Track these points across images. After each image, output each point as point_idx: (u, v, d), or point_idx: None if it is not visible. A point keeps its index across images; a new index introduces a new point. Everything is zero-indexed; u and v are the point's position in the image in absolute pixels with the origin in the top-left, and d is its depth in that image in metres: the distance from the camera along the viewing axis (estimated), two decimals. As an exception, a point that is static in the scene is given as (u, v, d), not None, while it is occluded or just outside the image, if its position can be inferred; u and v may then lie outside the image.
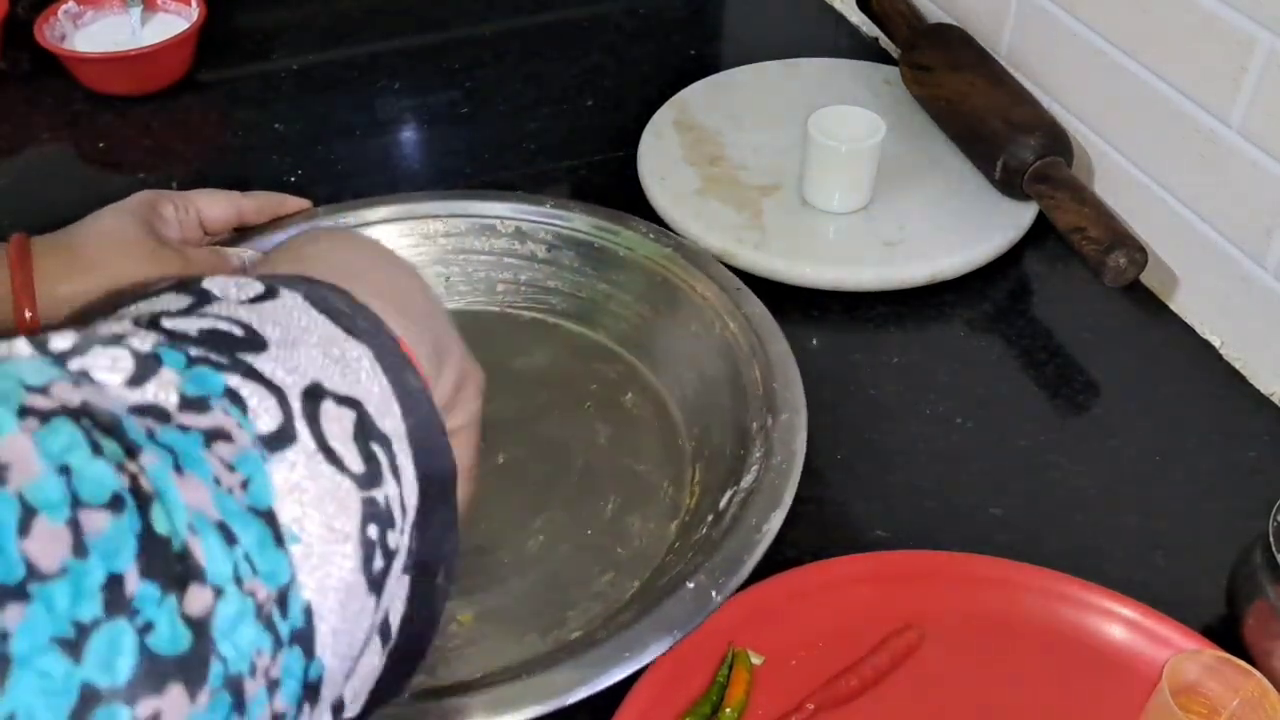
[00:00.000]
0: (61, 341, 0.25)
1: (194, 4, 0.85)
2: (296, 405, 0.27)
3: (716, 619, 0.49)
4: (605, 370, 0.63)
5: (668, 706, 0.47)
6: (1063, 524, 0.56)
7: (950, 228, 0.70)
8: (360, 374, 0.30)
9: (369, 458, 0.28)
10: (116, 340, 0.26)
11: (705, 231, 0.69)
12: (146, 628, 0.22)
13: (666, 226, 0.71)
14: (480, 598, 0.52)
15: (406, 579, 0.30)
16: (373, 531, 0.28)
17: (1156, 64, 0.65)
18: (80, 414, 0.23)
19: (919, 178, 0.74)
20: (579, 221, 0.65)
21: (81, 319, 0.28)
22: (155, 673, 0.22)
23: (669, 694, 0.47)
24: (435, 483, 0.31)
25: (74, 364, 0.25)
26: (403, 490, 0.29)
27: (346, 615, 0.27)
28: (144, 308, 0.29)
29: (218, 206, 0.62)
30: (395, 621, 0.30)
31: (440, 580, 0.32)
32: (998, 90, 0.73)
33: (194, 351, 0.27)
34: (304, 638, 0.26)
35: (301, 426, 0.27)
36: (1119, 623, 0.50)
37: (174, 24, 0.85)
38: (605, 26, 0.93)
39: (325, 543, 0.26)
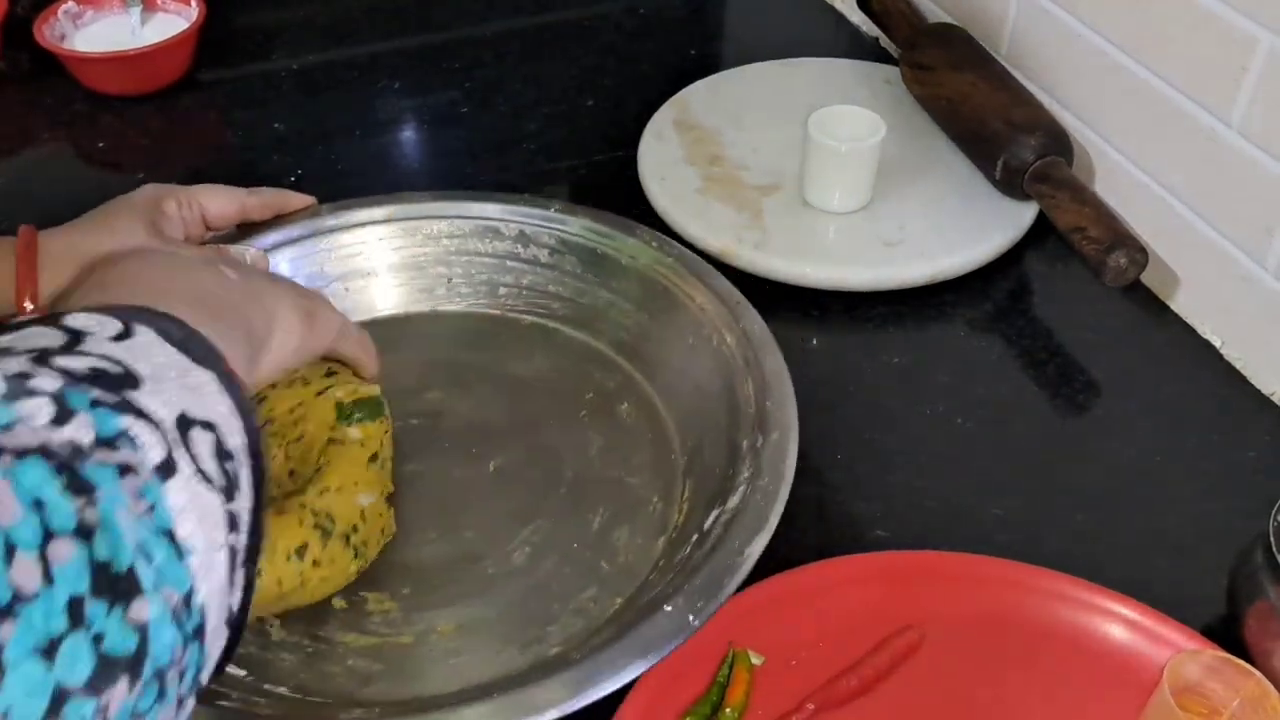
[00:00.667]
0: None
1: (194, 4, 0.85)
2: (173, 435, 0.32)
3: (717, 619, 0.49)
4: (603, 378, 0.62)
5: (668, 706, 0.47)
6: (1063, 524, 0.56)
7: (950, 227, 0.70)
8: (208, 398, 0.34)
9: (226, 474, 0.33)
10: (29, 381, 0.30)
11: (705, 231, 0.69)
12: (99, 637, 0.26)
13: (667, 226, 0.71)
14: (461, 608, 0.52)
15: (243, 571, 0.34)
16: (231, 539, 0.33)
17: (1157, 64, 0.65)
18: (44, 451, 0.27)
19: (919, 178, 0.74)
20: (583, 227, 0.65)
21: None
22: (108, 671, 0.26)
23: (669, 694, 0.47)
24: (261, 483, 0.36)
25: (13, 409, 0.29)
26: (243, 498, 0.34)
27: (220, 612, 0.32)
28: (23, 344, 0.32)
29: (221, 202, 0.62)
30: (236, 605, 0.34)
31: (252, 571, 0.36)
32: (998, 90, 0.73)
33: (92, 393, 0.31)
34: (200, 633, 0.31)
35: (180, 454, 0.32)
36: (1119, 623, 0.50)
37: (174, 24, 0.85)
38: (605, 26, 0.93)
39: (209, 552, 0.31)
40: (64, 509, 0.27)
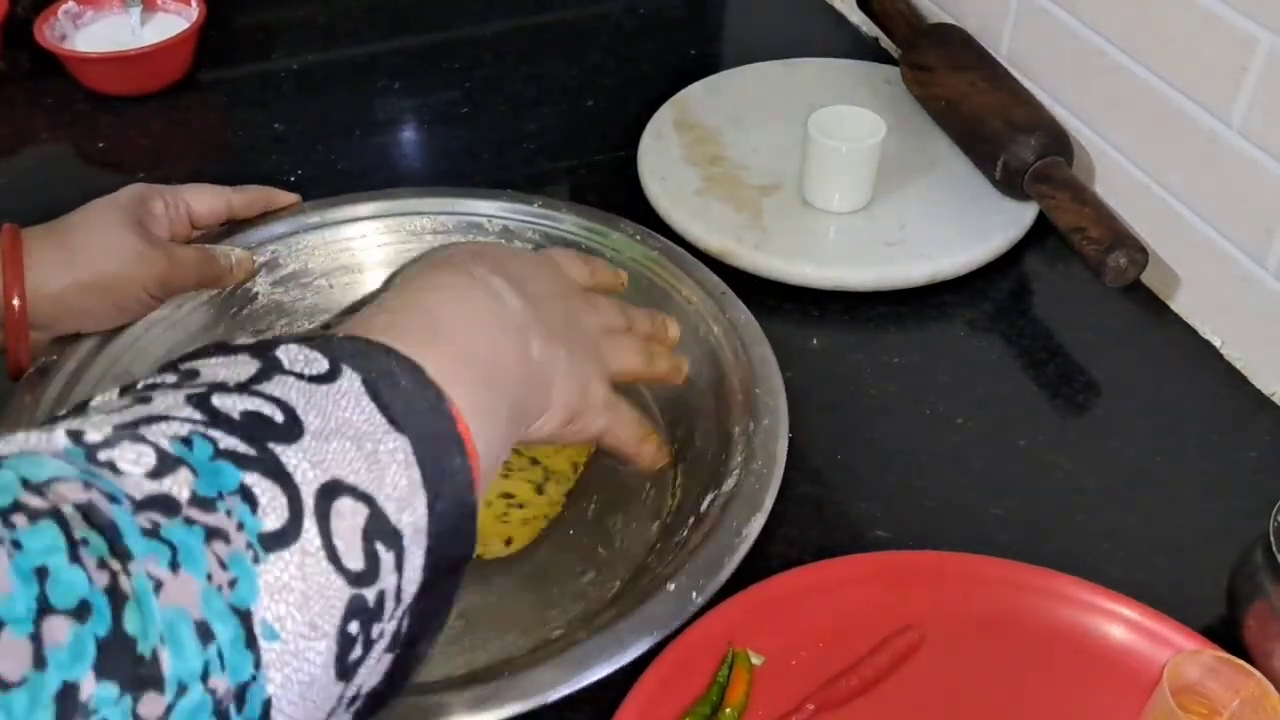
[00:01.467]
0: (96, 434, 0.27)
1: (194, 4, 0.85)
2: (310, 502, 0.28)
3: (717, 619, 0.49)
4: None
5: (668, 706, 0.47)
6: (1063, 524, 0.56)
7: (950, 227, 0.70)
8: (389, 469, 0.30)
9: (371, 555, 0.29)
10: (151, 426, 0.27)
11: (705, 231, 0.69)
12: None
13: (667, 226, 0.71)
14: (463, 595, 0.52)
15: (389, 657, 0.31)
16: (353, 627, 0.29)
17: (1157, 64, 0.65)
18: (70, 515, 0.24)
19: (919, 178, 0.74)
20: (567, 222, 0.65)
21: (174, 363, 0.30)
22: None
23: (669, 694, 0.47)
24: (446, 564, 0.32)
25: (102, 455, 0.27)
26: (402, 581, 0.30)
27: (307, 704, 0.28)
28: (211, 373, 0.30)
29: (207, 201, 0.62)
30: (365, 691, 0.30)
31: (421, 649, 0.33)
32: (998, 90, 0.73)
33: (223, 442, 0.28)
34: None
35: (309, 524, 0.28)
36: (1119, 623, 0.50)
37: (174, 24, 0.85)
38: (605, 26, 0.93)
39: (301, 640, 0.28)
40: (71, 580, 0.23)
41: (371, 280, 0.67)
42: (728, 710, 0.47)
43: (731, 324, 0.59)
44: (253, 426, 0.29)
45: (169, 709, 0.24)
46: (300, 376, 0.31)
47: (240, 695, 0.26)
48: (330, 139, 0.81)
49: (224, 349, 0.32)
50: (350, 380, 0.31)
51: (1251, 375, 0.63)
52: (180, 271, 0.59)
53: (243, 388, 0.30)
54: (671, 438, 0.59)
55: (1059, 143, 0.70)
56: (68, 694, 0.22)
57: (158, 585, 0.25)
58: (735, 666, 0.48)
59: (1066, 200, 0.66)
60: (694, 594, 0.47)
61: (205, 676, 0.25)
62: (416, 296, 0.39)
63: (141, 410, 0.28)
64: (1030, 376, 0.64)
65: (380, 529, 0.30)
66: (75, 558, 0.23)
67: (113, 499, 0.25)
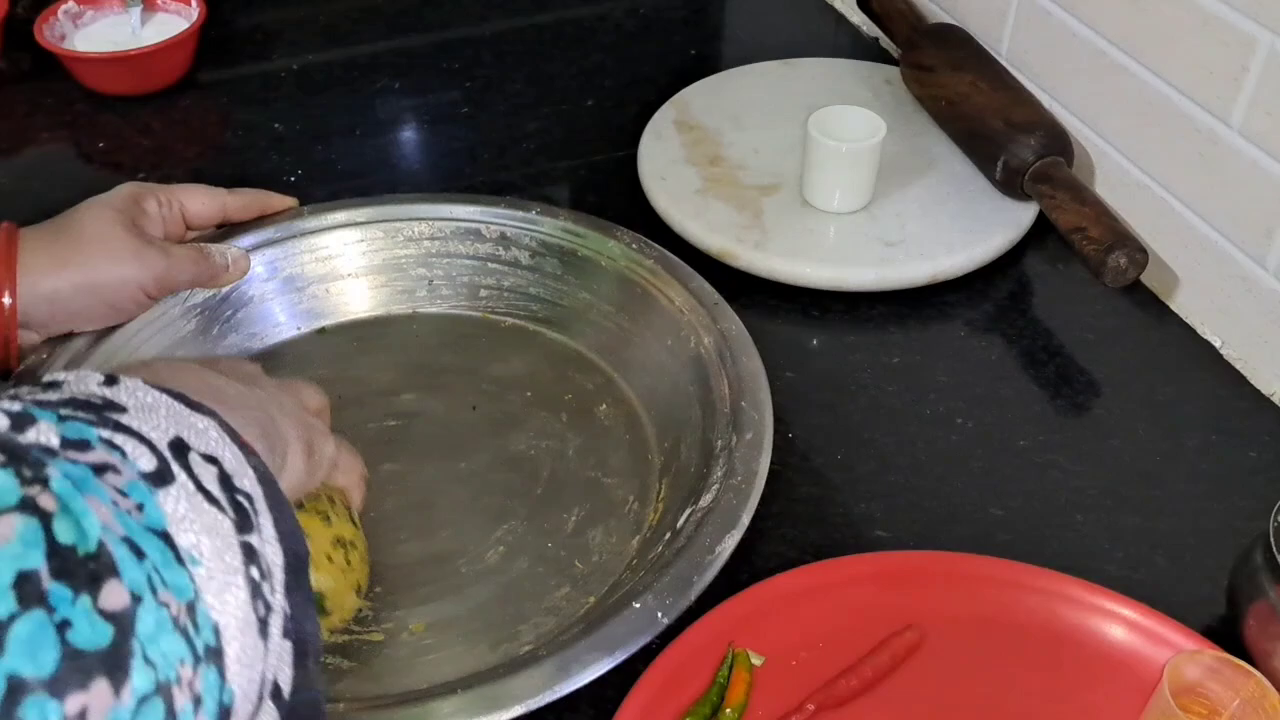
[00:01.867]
0: None
1: (194, 4, 0.85)
2: (167, 452, 0.29)
3: (717, 619, 0.49)
4: (582, 380, 0.63)
5: (668, 706, 0.47)
6: (1063, 524, 0.56)
7: (951, 228, 0.70)
8: (210, 440, 0.32)
9: (238, 507, 0.30)
10: None
11: (705, 231, 0.69)
12: (64, 624, 0.23)
13: (666, 227, 0.71)
14: (434, 607, 0.52)
15: (289, 645, 0.31)
16: (254, 573, 0.30)
17: (1157, 64, 0.65)
18: None
19: (919, 178, 0.74)
20: (563, 229, 0.65)
21: None
22: (79, 668, 0.23)
23: (669, 694, 0.47)
24: (293, 558, 0.33)
25: None
26: (268, 548, 0.31)
27: (246, 648, 0.29)
28: None
29: (202, 202, 0.62)
30: (286, 687, 0.31)
31: (312, 665, 0.33)
32: (998, 90, 0.73)
33: (63, 410, 0.28)
34: (216, 655, 0.27)
35: (177, 469, 0.29)
36: (1119, 623, 0.50)
37: (174, 24, 0.85)
38: (605, 26, 0.93)
39: (221, 571, 0.28)
40: (5, 486, 0.24)
41: (366, 286, 0.67)
42: (728, 710, 0.47)
43: (723, 335, 0.59)
44: (79, 404, 0.29)
45: (131, 610, 0.25)
46: (86, 382, 0.31)
47: (191, 612, 0.27)
48: (330, 139, 0.81)
49: None
50: (132, 381, 0.32)
51: (1251, 375, 0.63)
52: (175, 270, 0.58)
53: (44, 390, 0.30)
54: (659, 449, 0.59)
55: (1059, 143, 0.70)
56: (24, 582, 0.23)
57: (81, 499, 0.25)
58: (735, 666, 0.48)
59: (1066, 200, 0.66)
60: (659, 614, 0.46)
61: (153, 589, 0.25)
62: (135, 373, 0.40)
63: None
64: (1030, 376, 0.64)
65: (232, 486, 0.31)
66: (6, 469, 0.24)
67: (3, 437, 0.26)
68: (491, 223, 0.66)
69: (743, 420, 0.55)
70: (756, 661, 0.49)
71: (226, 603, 0.28)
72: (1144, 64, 0.66)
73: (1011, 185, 0.70)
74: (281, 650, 0.31)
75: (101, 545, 0.25)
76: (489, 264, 0.67)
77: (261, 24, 0.92)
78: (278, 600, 0.31)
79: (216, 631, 0.28)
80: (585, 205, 0.74)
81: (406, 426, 0.60)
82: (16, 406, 0.28)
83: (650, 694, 0.46)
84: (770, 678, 0.48)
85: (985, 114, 0.72)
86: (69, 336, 0.58)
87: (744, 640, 0.49)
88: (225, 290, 0.63)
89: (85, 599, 0.24)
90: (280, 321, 0.65)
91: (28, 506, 0.24)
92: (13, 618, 0.22)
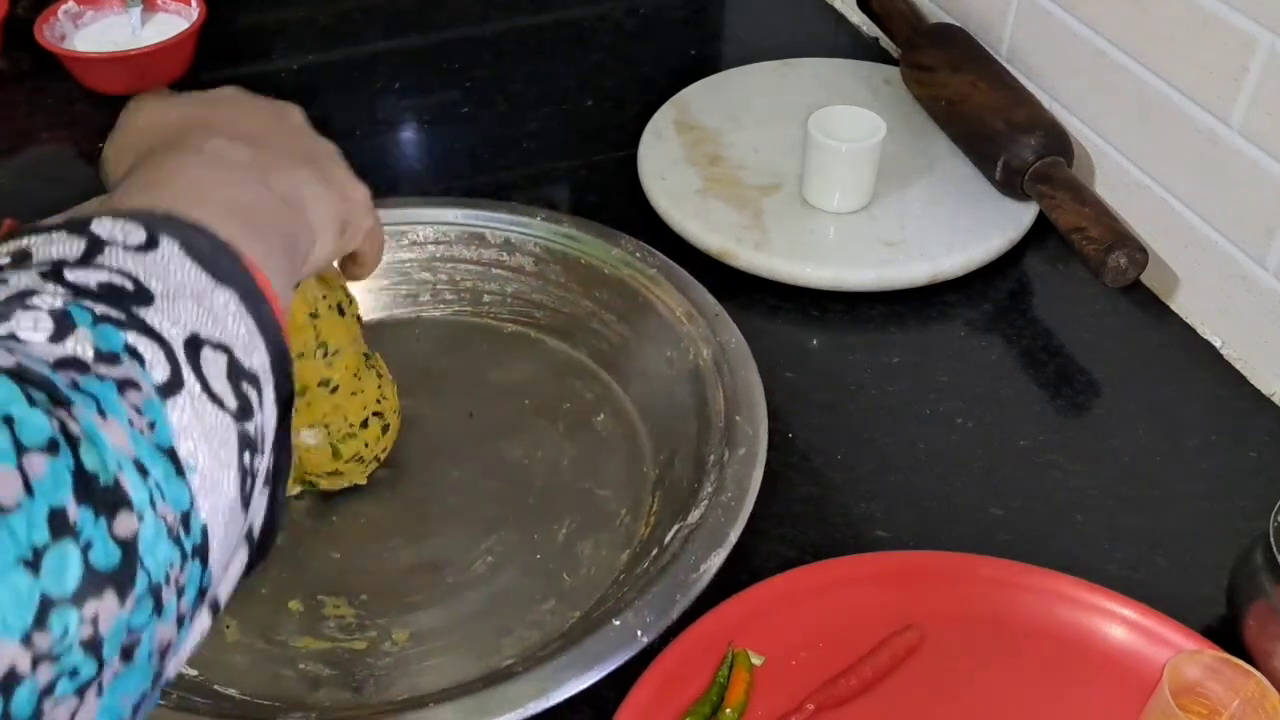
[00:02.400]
0: None
1: (194, 4, 0.85)
2: (181, 355, 0.32)
3: (717, 619, 0.49)
4: (581, 389, 0.62)
5: (668, 706, 0.47)
6: (1063, 524, 0.56)
7: (951, 228, 0.70)
8: (228, 320, 0.34)
9: (240, 395, 0.33)
10: (31, 298, 0.30)
11: (705, 231, 0.69)
12: (87, 546, 0.26)
13: (667, 227, 0.71)
14: (418, 616, 0.52)
15: (267, 490, 0.35)
16: (246, 459, 0.33)
17: (1157, 64, 0.65)
18: (15, 372, 0.27)
19: (919, 178, 0.74)
20: (567, 236, 0.65)
21: None
22: (94, 582, 0.26)
23: (669, 694, 0.47)
24: (284, 402, 0.36)
25: (1, 328, 0.29)
26: (264, 418, 0.34)
27: (228, 531, 0.32)
28: (43, 251, 0.32)
29: None
30: (257, 527, 0.35)
31: (280, 492, 0.36)
32: (998, 90, 0.73)
33: (98, 309, 0.31)
34: (201, 552, 0.31)
35: (187, 373, 0.32)
36: (1119, 623, 0.50)
37: (174, 24, 0.85)
38: (606, 26, 0.93)
39: (214, 471, 0.31)
40: (36, 423, 0.26)
41: (369, 289, 0.66)
42: (728, 710, 0.47)
43: (722, 347, 0.58)
44: (112, 295, 0.31)
45: (138, 532, 0.28)
46: (127, 248, 0.33)
47: (185, 521, 0.30)
48: (331, 139, 0.81)
49: (35, 230, 0.34)
50: (169, 246, 0.34)
51: (1251, 375, 0.63)
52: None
53: (83, 262, 0.32)
54: (654, 463, 0.58)
55: (1059, 143, 0.70)
56: (56, 517, 0.26)
57: (99, 428, 0.28)
58: (735, 666, 0.48)
59: (1066, 200, 0.66)
60: (639, 632, 0.46)
61: (154, 505, 0.29)
62: (152, 174, 0.41)
63: (5, 290, 0.30)
64: (1030, 376, 0.64)
65: (240, 372, 0.33)
66: (33, 403, 0.27)
67: (34, 360, 0.28)
68: (496, 228, 0.66)
69: (736, 435, 0.54)
70: (756, 661, 0.49)
71: (216, 499, 0.31)
72: (1144, 64, 0.66)
73: (1011, 185, 0.70)
74: (260, 500, 0.34)
75: (117, 479, 0.28)
76: (492, 269, 0.66)
77: (261, 24, 0.92)
78: (263, 461, 0.34)
79: (204, 531, 0.31)
80: (585, 205, 0.74)
81: (404, 432, 0.60)
82: (59, 302, 0.30)
83: (650, 694, 0.46)
84: (770, 677, 0.48)
85: (985, 114, 0.72)
86: None
87: (744, 640, 0.49)
88: None
89: (103, 522, 0.27)
90: None
91: (58, 439, 0.26)
92: (46, 547, 0.25)
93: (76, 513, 0.26)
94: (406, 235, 0.66)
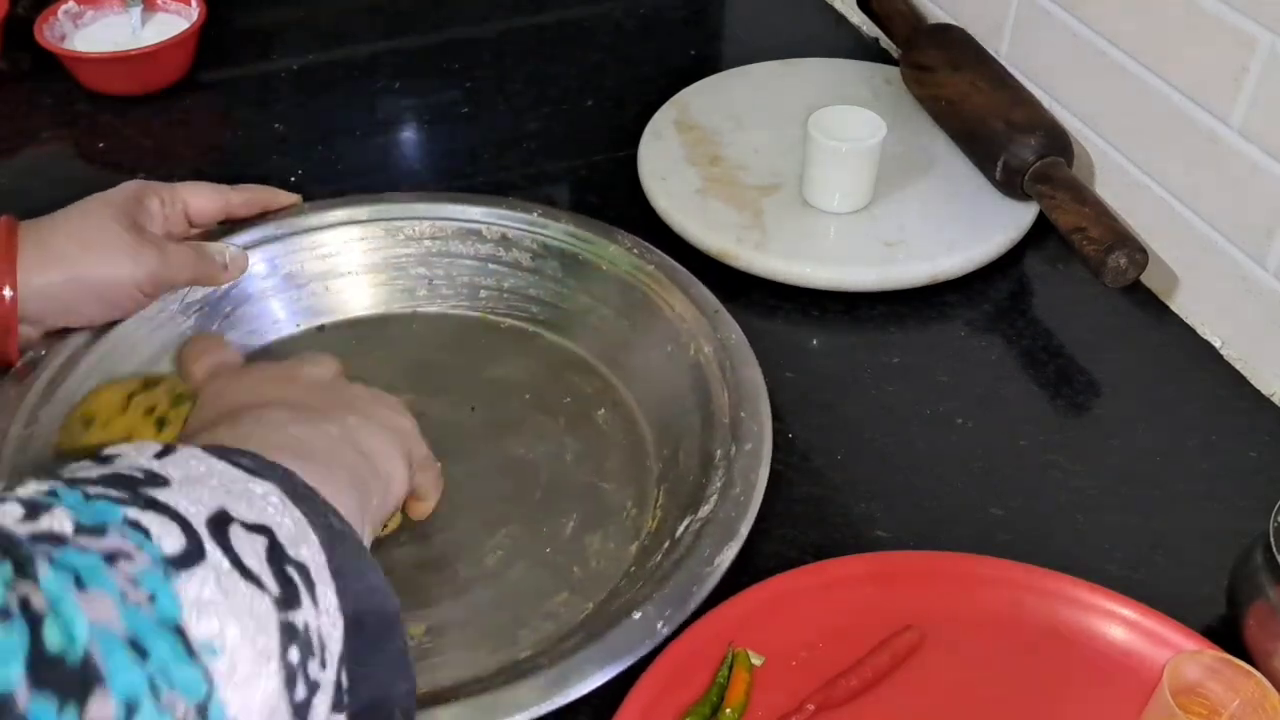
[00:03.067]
0: None
1: (194, 4, 0.85)
2: (203, 530, 0.27)
3: (717, 619, 0.49)
4: (580, 384, 0.62)
5: (668, 706, 0.47)
6: (1063, 524, 0.56)
7: (951, 228, 0.70)
8: (268, 508, 0.30)
9: (285, 581, 0.28)
10: (4, 494, 0.26)
11: (705, 231, 0.69)
12: None
13: (666, 227, 0.71)
14: (433, 611, 0.52)
15: (341, 718, 0.30)
16: (294, 655, 0.28)
17: (1157, 64, 0.65)
18: None
19: (919, 178, 0.74)
20: (565, 232, 0.65)
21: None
22: None
23: (669, 694, 0.47)
24: (371, 619, 0.31)
25: None
26: (322, 620, 0.29)
27: None
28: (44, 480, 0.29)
29: (204, 199, 0.62)
30: None
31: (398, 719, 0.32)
32: (998, 90, 0.73)
33: (92, 490, 0.27)
34: None
35: (211, 547, 0.27)
36: (1119, 623, 0.50)
37: (174, 24, 0.85)
38: (606, 26, 0.93)
39: (248, 659, 0.27)
40: None
41: (366, 284, 0.67)
42: (728, 710, 0.47)
43: (722, 344, 0.59)
44: (117, 481, 0.28)
45: (123, 717, 0.23)
46: (141, 455, 0.30)
47: (202, 712, 0.25)
48: (331, 139, 0.81)
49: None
50: (189, 450, 0.31)
51: (1251, 376, 0.63)
52: (172, 269, 0.58)
53: (88, 468, 0.29)
54: (658, 457, 0.58)
55: (1059, 143, 0.70)
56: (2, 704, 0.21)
57: (73, 600, 0.24)
58: (735, 666, 0.48)
59: (1066, 200, 0.66)
60: (659, 624, 0.46)
61: (156, 693, 0.24)
62: (223, 434, 0.39)
63: None
64: (1030, 377, 0.64)
65: (283, 557, 0.29)
66: None
67: (2, 533, 0.25)
68: (493, 223, 0.66)
69: (742, 431, 0.54)
70: (756, 661, 0.49)
71: (253, 690, 0.27)
72: (1144, 64, 0.66)
73: (1011, 185, 0.70)
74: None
75: (88, 656, 0.23)
76: (489, 265, 0.66)
77: (262, 24, 0.92)
78: (328, 675, 0.29)
79: None
80: (585, 205, 0.74)
81: None
82: (45, 487, 0.27)
83: (650, 694, 0.46)
84: (770, 678, 0.48)
85: (985, 114, 0.72)
86: (66, 332, 0.58)
87: (744, 640, 0.49)
88: (225, 287, 0.63)
89: (71, 711, 0.22)
90: (279, 319, 0.65)
91: (13, 611, 0.22)
92: None
93: (28, 702, 0.21)
94: (403, 230, 0.66)
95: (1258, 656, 0.48)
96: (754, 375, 0.57)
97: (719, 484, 0.52)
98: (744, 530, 0.50)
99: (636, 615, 0.47)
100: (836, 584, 0.51)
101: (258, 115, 0.83)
